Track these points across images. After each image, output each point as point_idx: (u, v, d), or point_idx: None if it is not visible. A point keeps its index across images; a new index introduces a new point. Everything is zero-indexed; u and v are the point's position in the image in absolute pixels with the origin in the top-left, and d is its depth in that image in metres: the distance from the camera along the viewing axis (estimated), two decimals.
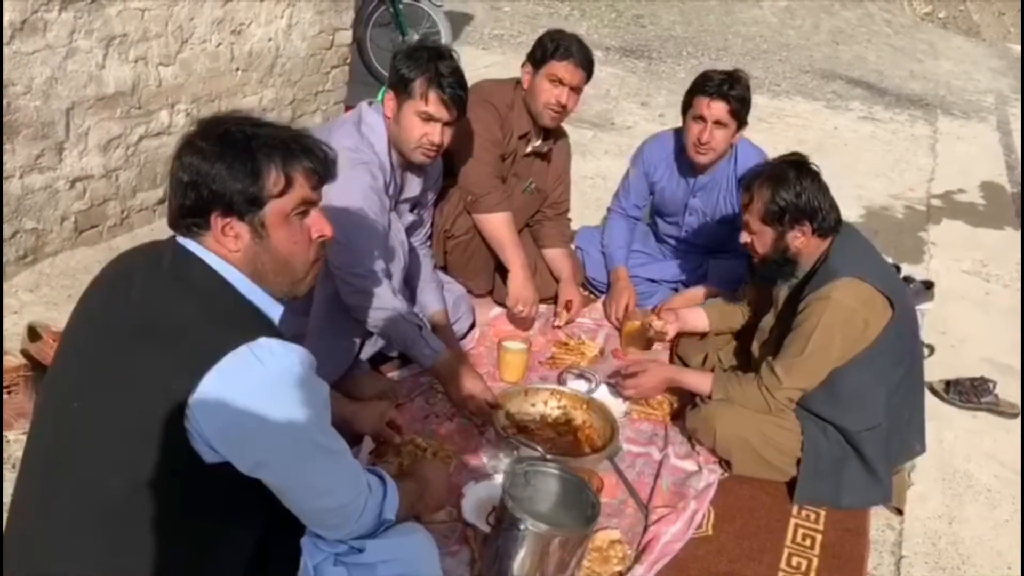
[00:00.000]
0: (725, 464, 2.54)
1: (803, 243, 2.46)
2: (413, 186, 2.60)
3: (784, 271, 2.54)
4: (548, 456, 2.28)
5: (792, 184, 2.42)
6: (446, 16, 6.17)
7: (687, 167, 3.23)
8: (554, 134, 3.17)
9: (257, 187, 1.45)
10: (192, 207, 1.46)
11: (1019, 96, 8.87)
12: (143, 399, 1.40)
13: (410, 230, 2.76)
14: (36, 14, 2.71)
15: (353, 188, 2.28)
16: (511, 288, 2.84)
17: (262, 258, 1.50)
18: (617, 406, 2.74)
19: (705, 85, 3.04)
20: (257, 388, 1.39)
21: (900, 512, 2.50)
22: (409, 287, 2.82)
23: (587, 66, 2.92)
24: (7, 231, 2.86)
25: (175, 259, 1.49)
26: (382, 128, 2.42)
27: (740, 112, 3.04)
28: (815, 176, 2.47)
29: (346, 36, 4.42)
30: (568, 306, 3.13)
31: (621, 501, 2.39)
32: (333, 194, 2.29)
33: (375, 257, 2.30)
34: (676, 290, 3.38)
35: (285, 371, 1.42)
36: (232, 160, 1.44)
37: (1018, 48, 11.19)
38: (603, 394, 2.79)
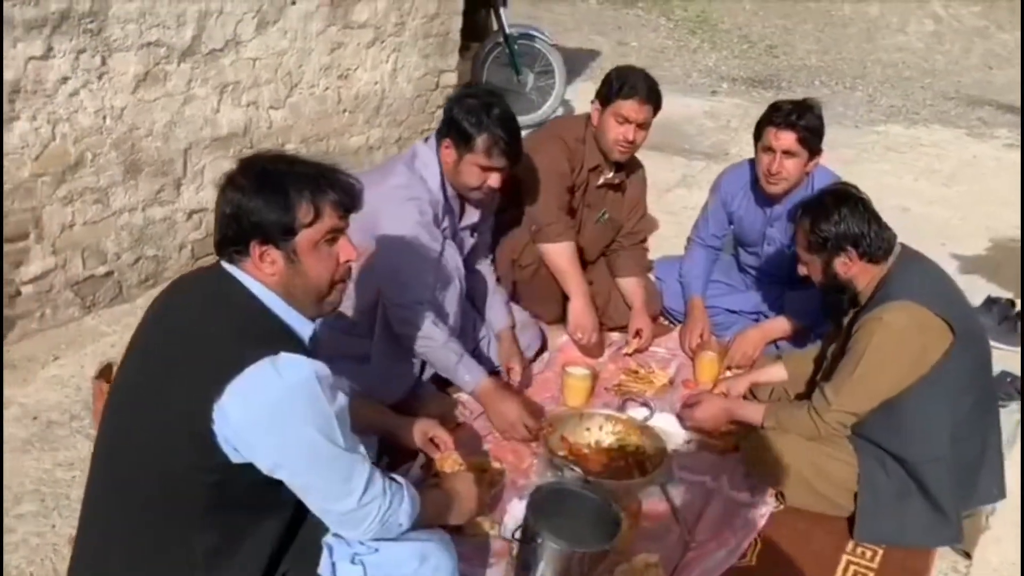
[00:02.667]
0: (781, 496, 2.50)
1: (850, 268, 2.44)
2: (472, 214, 2.75)
3: (843, 298, 2.52)
4: (590, 478, 2.35)
5: (830, 213, 2.43)
6: (560, 53, 6.35)
7: (763, 196, 3.21)
8: (628, 166, 3.24)
9: (290, 218, 1.63)
10: (234, 236, 1.65)
11: None
12: (178, 404, 1.59)
13: (474, 252, 2.93)
14: (158, 66, 3.08)
15: (401, 224, 2.47)
16: (571, 316, 2.92)
17: (295, 281, 1.67)
18: (679, 434, 2.76)
19: (773, 115, 3.04)
20: (274, 397, 1.56)
21: (968, 556, 2.38)
22: (476, 306, 2.97)
23: (654, 100, 2.98)
24: (130, 258, 3.23)
25: (218, 281, 1.69)
26: (435, 164, 2.59)
27: (810, 141, 3.01)
28: (856, 202, 2.45)
29: (452, 77, 4.67)
30: (638, 334, 3.17)
31: (665, 527, 2.40)
32: (383, 229, 2.50)
33: (420, 290, 2.46)
34: (756, 320, 3.35)
35: (301, 383, 1.57)
36: (268, 195, 1.62)
37: None
38: (666, 422, 2.81)
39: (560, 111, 6.58)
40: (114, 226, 3.12)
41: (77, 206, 2.94)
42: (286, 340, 1.65)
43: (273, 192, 1.62)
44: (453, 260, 2.56)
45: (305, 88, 3.73)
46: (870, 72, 9.37)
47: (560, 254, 2.91)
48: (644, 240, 3.37)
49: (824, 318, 2.80)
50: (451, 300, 2.58)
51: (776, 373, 2.89)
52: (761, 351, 3.17)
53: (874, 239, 2.43)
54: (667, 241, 4.11)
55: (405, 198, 2.49)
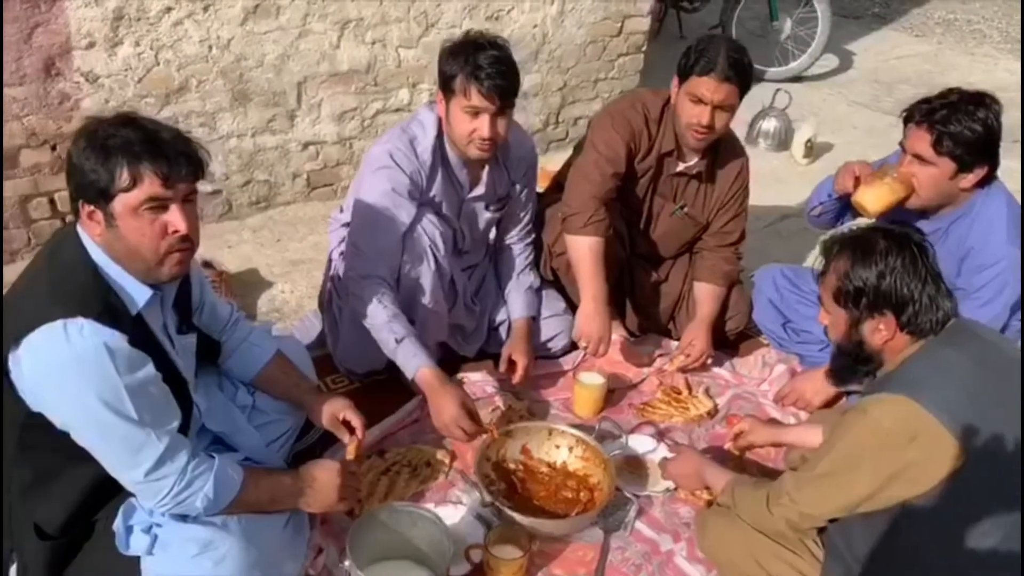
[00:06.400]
0: None
1: (883, 338, 1.85)
2: (484, 182, 2.53)
3: (858, 370, 1.95)
4: (496, 503, 2.12)
5: (876, 260, 1.82)
6: None
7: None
8: (720, 155, 2.74)
9: (106, 181, 1.62)
10: (70, 194, 1.70)
11: None
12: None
13: (503, 228, 2.73)
14: (269, 0, 3.18)
15: (369, 193, 2.35)
16: (577, 320, 2.59)
17: (115, 244, 1.68)
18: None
19: (918, 105, 2.37)
20: (58, 360, 1.60)
21: None
22: (500, 287, 2.78)
23: (737, 79, 2.46)
24: (240, 180, 3.46)
25: (61, 236, 1.76)
26: (432, 126, 2.40)
27: (955, 151, 2.29)
28: (915, 256, 1.82)
29: (641, 23, 4.25)
30: (688, 350, 2.73)
31: None
32: (357, 195, 2.41)
33: (371, 264, 2.32)
34: None
35: (87, 351, 1.59)
36: (91, 156, 1.63)
37: None
38: (664, 456, 2.44)
39: (817, 68, 5.75)
40: (222, 149, 3.34)
41: (182, 127, 3.15)
42: (99, 304, 1.65)
43: (95, 153, 1.62)
44: (430, 235, 2.38)
45: (444, 28, 3.63)
46: None
47: (579, 248, 2.56)
48: (736, 243, 2.86)
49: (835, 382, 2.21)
50: (426, 278, 2.41)
51: (809, 436, 2.33)
52: (824, 400, 2.59)
53: (925, 307, 1.81)
54: None
55: (378, 166, 2.35)
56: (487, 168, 2.53)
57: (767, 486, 1.96)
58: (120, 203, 1.63)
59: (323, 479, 1.95)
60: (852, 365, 1.95)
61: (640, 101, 2.68)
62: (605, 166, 2.59)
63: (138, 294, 1.72)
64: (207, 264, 3.04)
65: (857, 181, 2.48)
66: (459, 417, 2.22)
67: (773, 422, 2.55)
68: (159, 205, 1.65)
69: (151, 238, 1.67)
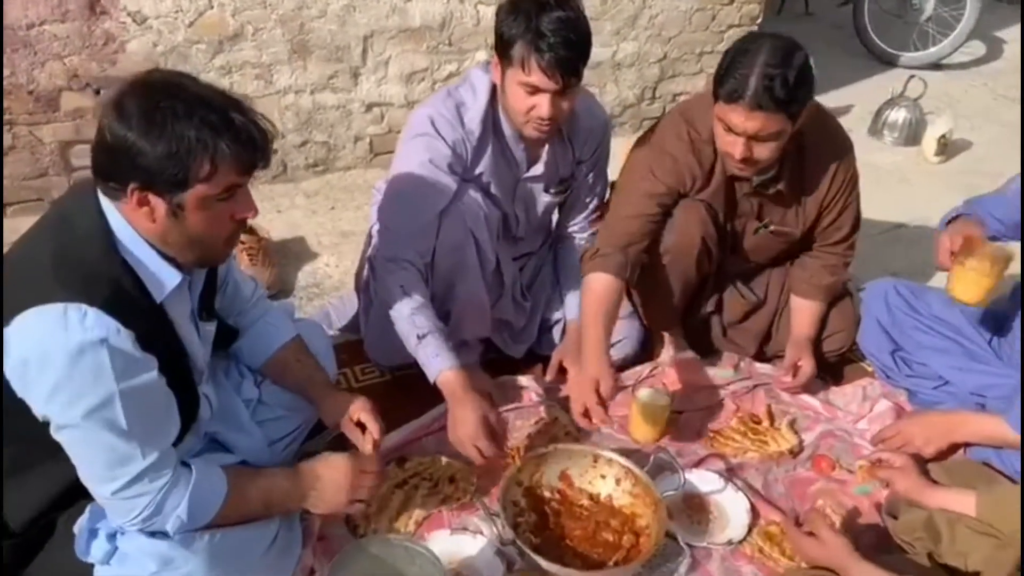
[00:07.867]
0: None
1: None
2: (544, 161, 2.17)
3: None
4: (518, 541, 1.79)
5: None
6: None
7: None
8: (808, 161, 2.19)
9: (182, 171, 1.37)
10: (111, 171, 1.42)
11: None
12: None
13: (565, 214, 2.39)
14: None
15: (404, 163, 2.03)
16: (570, 381, 2.25)
17: (173, 234, 1.45)
18: (740, 527, 2.00)
19: None
20: (49, 350, 1.37)
21: None
22: (558, 281, 2.44)
23: (774, 104, 1.87)
24: (296, 139, 3.20)
25: (78, 203, 1.49)
26: (485, 93, 2.04)
27: None
28: None
29: None
30: (795, 370, 2.31)
31: None
32: (392, 166, 2.08)
33: (397, 246, 2.01)
34: (982, 408, 2.24)
35: (83, 345, 1.36)
36: (157, 140, 1.35)
37: None
38: (739, 504, 2.05)
39: (960, 55, 5.09)
40: (277, 104, 3.08)
41: (236, 78, 2.94)
42: (109, 290, 1.40)
43: (166, 137, 1.35)
44: (472, 217, 2.04)
45: None
46: None
47: (585, 289, 2.17)
48: (846, 239, 2.33)
49: None
50: (465, 266, 2.08)
51: (959, 502, 1.82)
52: (938, 450, 2.12)
53: None
54: None
55: (417, 132, 2.01)
56: (548, 144, 2.16)
57: None
58: (194, 194, 1.39)
59: (329, 477, 1.68)
60: None
61: (685, 124, 2.15)
62: (646, 200, 2.15)
63: (168, 279, 1.49)
64: (247, 229, 2.78)
65: (954, 257, 2.02)
66: (476, 435, 1.88)
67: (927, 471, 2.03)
68: (231, 194, 1.43)
69: (220, 227, 1.47)
